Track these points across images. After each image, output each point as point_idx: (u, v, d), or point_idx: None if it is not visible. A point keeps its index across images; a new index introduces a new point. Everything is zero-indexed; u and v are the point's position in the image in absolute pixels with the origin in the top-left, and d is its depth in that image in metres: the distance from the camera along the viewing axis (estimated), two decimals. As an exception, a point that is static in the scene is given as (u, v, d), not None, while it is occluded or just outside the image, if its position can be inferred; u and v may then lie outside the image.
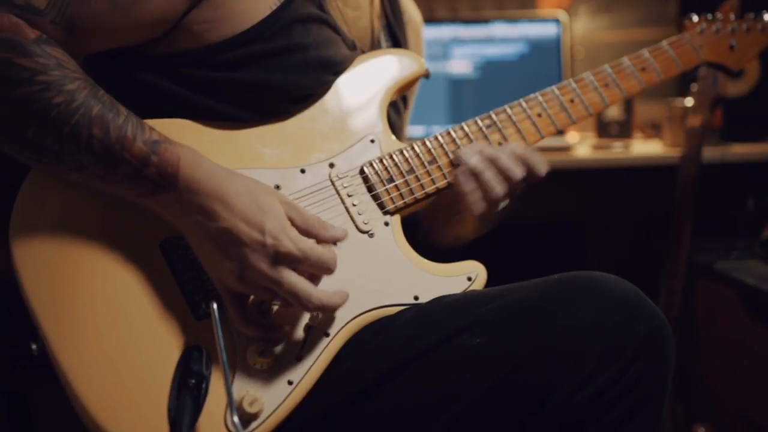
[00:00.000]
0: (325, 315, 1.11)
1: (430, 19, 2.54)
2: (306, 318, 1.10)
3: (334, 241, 1.09)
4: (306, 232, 1.06)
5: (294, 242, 1.02)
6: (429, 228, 1.39)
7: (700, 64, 1.49)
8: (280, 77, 1.17)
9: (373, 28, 1.37)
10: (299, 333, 1.10)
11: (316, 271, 1.05)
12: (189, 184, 1.02)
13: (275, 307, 1.08)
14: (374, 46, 1.37)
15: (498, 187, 1.21)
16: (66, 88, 0.99)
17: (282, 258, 1.01)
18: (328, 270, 1.06)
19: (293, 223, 1.05)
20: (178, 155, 1.02)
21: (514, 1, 2.87)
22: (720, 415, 2.23)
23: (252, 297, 1.07)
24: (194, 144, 1.07)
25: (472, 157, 1.22)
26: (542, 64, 2.59)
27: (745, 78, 2.42)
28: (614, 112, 2.53)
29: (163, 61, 1.14)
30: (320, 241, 1.07)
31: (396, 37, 1.43)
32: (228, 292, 1.04)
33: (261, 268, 1.01)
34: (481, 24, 2.63)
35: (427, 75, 1.34)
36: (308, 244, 1.03)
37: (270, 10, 1.16)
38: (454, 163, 1.24)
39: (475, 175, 1.21)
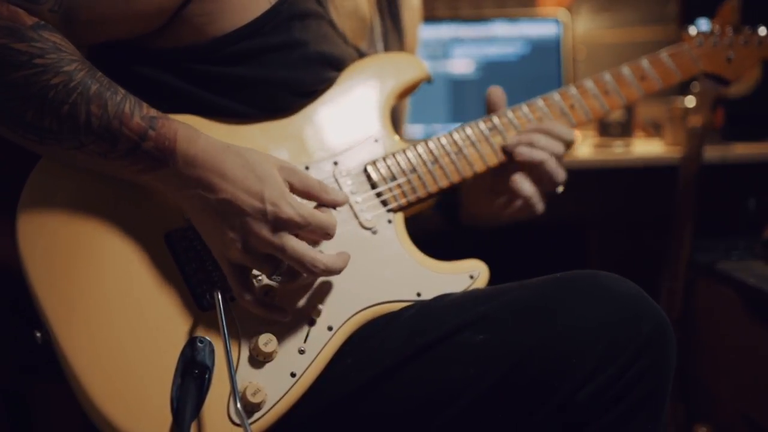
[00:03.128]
0: (328, 307, 1.11)
1: (430, 17, 2.54)
2: (309, 311, 1.10)
3: (335, 205, 1.09)
4: (306, 195, 1.07)
5: (294, 208, 1.02)
6: (470, 208, 1.43)
7: (698, 73, 1.54)
8: (280, 73, 1.17)
9: (371, 16, 1.37)
10: (302, 326, 1.10)
11: (316, 236, 1.06)
12: (186, 157, 1.02)
13: (277, 287, 1.09)
14: (371, 35, 1.37)
15: (561, 173, 1.30)
16: (63, 69, 1.00)
17: (283, 223, 1.02)
18: (328, 235, 1.06)
19: (293, 187, 1.05)
20: (175, 129, 1.03)
21: None
22: (721, 415, 2.23)
23: (255, 272, 1.07)
24: None
25: (531, 151, 1.28)
26: (543, 64, 2.59)
27: (746, 78, 2.42)
28: (615, 112, 2.53)
29: (165, 56, 1.14)
30: (321, 203, 1.08)
31: (391, 22, 1.43)
32: (231, 266, 1.04)
33: (263, 234, 1.01)
34: (482, 23, 2.63)
35: (429, 80, 1.35)
36: (308, 210, 1.04)
37: (269, 4, 1.16)
38: (512, 160, 1.29)
39: (540, 164, 1.27)
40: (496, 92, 1.34)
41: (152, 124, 1.03)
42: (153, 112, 1.04)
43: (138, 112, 1.03)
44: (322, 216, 1.05)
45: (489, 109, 1.35)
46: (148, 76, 1.15)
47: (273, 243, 1.02)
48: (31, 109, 1.00)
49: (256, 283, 1.08)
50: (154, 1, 1.09)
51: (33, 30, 1.00)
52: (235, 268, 1.04)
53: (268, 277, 1.07)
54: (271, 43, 1.16)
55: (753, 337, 2.07)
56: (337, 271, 1.07)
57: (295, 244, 1.03)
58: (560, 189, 1.32)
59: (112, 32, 1.11)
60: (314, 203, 1.08)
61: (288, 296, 1.10)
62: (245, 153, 1.05)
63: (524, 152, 1.28)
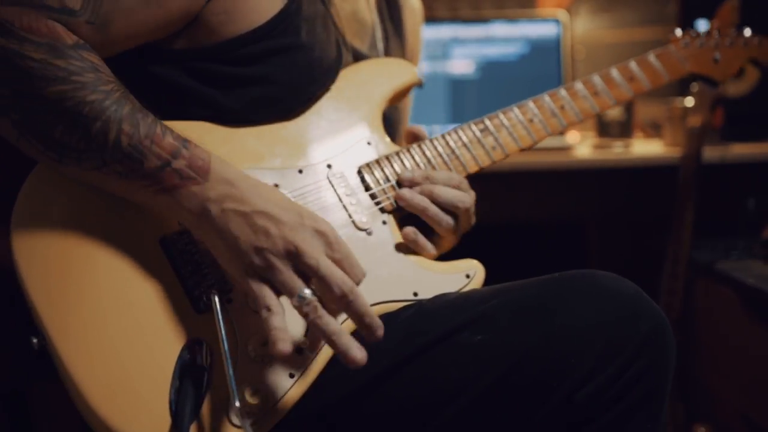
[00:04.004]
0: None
1: (430, 18, 2.54)
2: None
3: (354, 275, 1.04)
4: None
5: (331, 228, 1.02)
6: None
7: (685, 74, 1.55)
8: (285, 76, 1.18)
9: (371, 19, 1.37)
10: (300, 327, 1.10)
11: (343, 265, 1.02)
12: (221, 174, 1.03)
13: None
14: (372, 38, 1.38)
15: (445, 219, 1.23)
16: (100, 88, 1.00)
17: (319, 235, 1.01)
18: (356, 273, 1.02)
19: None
20: (209, 152, 1.04)
21: (514, 0, 2.88)
22: (720, 415, 2.23)
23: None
24: (199, 144, 1.07)
25: (412, 197, 1.22)
26: (542, 64, 2.60)
27: (746, 78, 2.42)
28: (615, 112, 2.53)
29: (179, 56, 1.14)
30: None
31: (391, 25, 1.43)
32: (256, 281, 1.01)
33: (300, 244, 0.99)
34: (481, 23, 2.63)
35: (420, 84, 1.37)
36: (339, 237, 1.02)
37: (282, 4, 1.16)
38: (399, 206, 1.23)
39: (421, 211, 1.22)
40: (418, 131, 1.33)
41: (184, 144, 1.03)
42: (182, 136, 1.05)
43: (169, 134, 1.03)
44: (351, 252, 1.03)
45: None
46: (160, 75, 1.15)
47: (307, 253, 0.99)
48: (62, 124, 1.00)
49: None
50: (183, 3, 1.10)
51: (73, 49, 1.00)
52: (260, 282, 1.01)
53: (299, 292, 1.00)
54: (279, 46, 1.17)
55: (752, 336, 2.08)
56: (354, 298, 1.01)
57: (328, 262, 1.00)
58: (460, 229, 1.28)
59: (144, 37, 1.11)
60: None
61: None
62: (273, 188, 1.06)
63: (405, 196, 1.23)
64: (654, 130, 2.73)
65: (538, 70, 2.60)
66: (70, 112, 0.99)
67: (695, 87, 2.20)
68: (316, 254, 0.99)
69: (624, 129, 2.56)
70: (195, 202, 1.03)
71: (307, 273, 1.00)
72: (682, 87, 2.50)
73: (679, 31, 1.57)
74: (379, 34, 1.40)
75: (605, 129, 2.57)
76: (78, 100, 0.99)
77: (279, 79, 1.17)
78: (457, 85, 2.61)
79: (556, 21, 2.61)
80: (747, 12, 1.75)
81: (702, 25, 2.40)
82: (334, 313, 1.01)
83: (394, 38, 1.44)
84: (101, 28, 1.05)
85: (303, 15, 1.19)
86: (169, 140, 1.02)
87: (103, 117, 1.00)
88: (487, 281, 1.22)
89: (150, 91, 1.08)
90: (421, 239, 1.22)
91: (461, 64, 2.62)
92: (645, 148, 2.55)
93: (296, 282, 1.00)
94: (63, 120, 0.99)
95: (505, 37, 2.61)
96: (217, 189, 1.02)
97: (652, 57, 1.49)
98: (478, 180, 1.33)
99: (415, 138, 1.33)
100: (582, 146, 2.54)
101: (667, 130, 2.51)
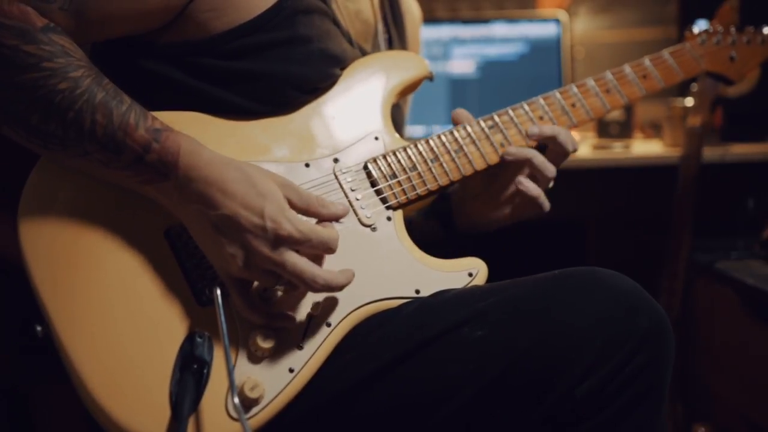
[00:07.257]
0: (326, 303, 1.11)
1: (430, 18, 2.55)
2: (308, 307, 1.10)
3: (335, 218, 1.09)
4: (306, 212, 1.07)
5: (293, 224, 1.02)
6: (466, 214, 1.41)
7: (700, 73, 1.52)
8: (284, 68, 1.18)
9: (375, 20, 1.38)
10: (301, 322, 1.10)
11: (317, 251, 1.06)
12: (188, 171, 1.03)
13: (279, 294, 1.09)
14: (374, 39, 1.38)
15: (549, 167, 1.31)
16: (70, 75, 1.00)
17: (282, 240, 1.02)
18: (330, 249, 1.06)
19: (292, 204, 1.05)
20: (179, 144, 1.04)
21: (514, 0, 2.88)
22: (720, 415, 2.23)
23: (256, 283, 1.07)
24: (201, 137, 1.07)
25: (520, 149, 1.30)
26: (542, 64, 2.60)
27: (745, 78, 2.43)
28: (614, 113, 2.54)
29: (170, 51, 1.15)
30: (321, 219, 1.08)
31: (395, 28, 1.43)
32: (231, 279, 1.04)
33: (263, 251, 1.01)
34: (481, 24, 2.64)
35: (430, 78, 1.35)
36: (308, 226, 1.04)
37: (274, 0, 1.17)
38: (505, 161, 1.29)
39: (528, 161, 1.29)
40: (462, 113, 1.33)
41: (156, 137, 1.03)
42: (158, 123, 1.04)
43: (143, 124, 1.03)
44: (323, 231, 1.05)
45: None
46: (152, 70, 1.15)
47: (273, 259, 1.02)
48: (36, 112, 1.00)
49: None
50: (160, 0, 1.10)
51: (43, 32, 1.01)
52: (236, 282, 1.05)
53: (270, 288, 1.07)
54: (275, 39, 1.17)
55: (752, 336, 2.08)
56: (338, 287, 1.07)
57: (295, 260, 1.03)
58: (551, 184, 1.34)
59: (120, 29, 1.12)
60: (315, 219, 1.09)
61: (287, 293, 1.10)
62: (247, 168, 1.05)
63: (511, 151, 1.29)
64: (654, 130, 2.73)
65: (538, 70, 2.60)
66: (43, 101, 0.99)
67: (695, 87, 2.20)
68: (279, 258, 1.02)
69: (624, 129, 2.56)
70: (171, 197, 1.05)
71: (277, 272, 1.04)
72: (682, 87, 2.51)
73: (696, 28, 1.53)
74: (382, 37, 1.41)
75: (605, 129, 2.57)
76: (50, 89, 0.99)
77: (276, 72, 1.17)
78: (457, 85, 2.62)
79: (556, 21, 2.61)
80: (747, 12, 1.75)
81: (702, 25, 2.40)
82: (315, 260, 1.07)
83: (398, 43, 1.45)
84: (75, 15, 1.05)
85: (299, 8, 1.19)
86: (141, 132, 1.02)
87: (76, 106, 1.00)
88: (487, 280, 1.22)
89: (146, 87, 1.08)
90: (532, 186, 1.31)
91: (461, 64, 2.62)
92: (645, 148, 2.55)
93: (267, 281, 1.05)
94: (37, 108, 1.00)
95: (505, 37, 2.62)
96: (184, 187, 1.03)
97: (666, 54, 1.46)
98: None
99: (458, 121, 1.32)
100: (582, 146, 2.54)
101: (667, 130, 2.52)
